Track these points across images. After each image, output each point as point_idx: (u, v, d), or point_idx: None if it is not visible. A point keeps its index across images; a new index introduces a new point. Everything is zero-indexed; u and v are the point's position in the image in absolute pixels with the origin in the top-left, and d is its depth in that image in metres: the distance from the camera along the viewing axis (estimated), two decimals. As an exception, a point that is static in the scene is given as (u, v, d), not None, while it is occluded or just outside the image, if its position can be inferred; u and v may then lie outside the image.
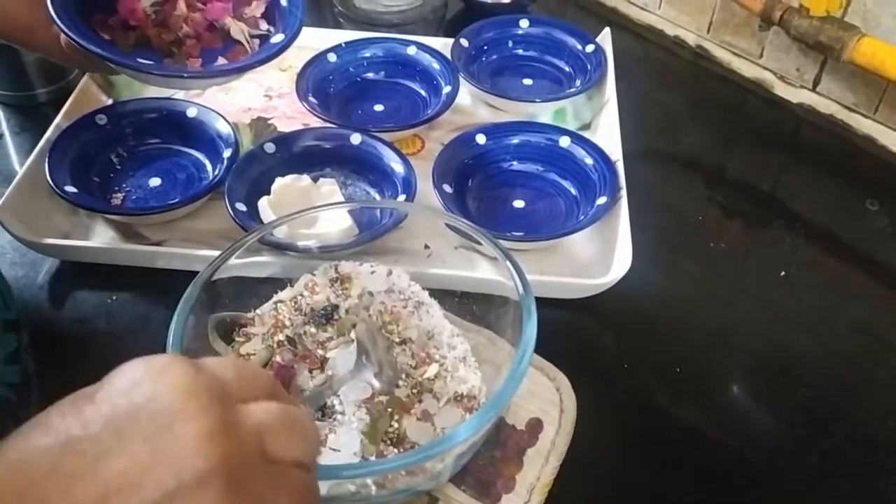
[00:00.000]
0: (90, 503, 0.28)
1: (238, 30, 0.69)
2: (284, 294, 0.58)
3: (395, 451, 0.50)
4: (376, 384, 0.52)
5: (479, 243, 0.55)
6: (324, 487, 0.47)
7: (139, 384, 0.30)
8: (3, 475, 0.28)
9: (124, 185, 0.74)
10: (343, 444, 0.49)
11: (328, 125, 0.77)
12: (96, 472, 0.28)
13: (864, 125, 0.86)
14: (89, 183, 0.72)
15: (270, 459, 0.32)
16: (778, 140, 0.89)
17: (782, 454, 0.58)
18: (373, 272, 0.58)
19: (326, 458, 0.49)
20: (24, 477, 0.28)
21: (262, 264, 0.57)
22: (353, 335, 0.54)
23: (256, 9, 0.71)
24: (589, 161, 0.74)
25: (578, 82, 0.87)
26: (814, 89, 0.89)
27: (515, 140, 0.77)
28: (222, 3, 0.70)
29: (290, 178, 0.69)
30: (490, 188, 0.76)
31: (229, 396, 0.32)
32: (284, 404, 0.35)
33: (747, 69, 0.94)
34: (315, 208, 0.60)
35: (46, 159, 0.69)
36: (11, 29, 0.63)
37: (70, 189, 0.68)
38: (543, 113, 0.84)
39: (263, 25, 0.71)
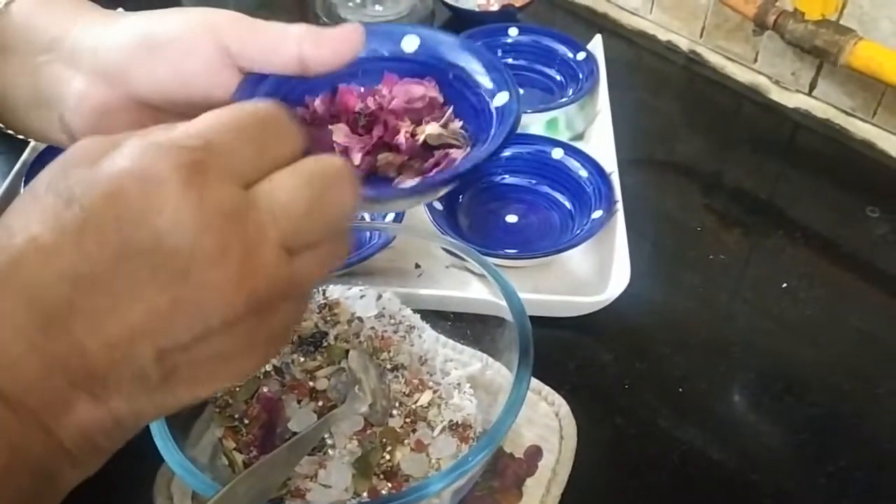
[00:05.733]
0: (118, 342, 0.27)
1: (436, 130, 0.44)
2: (271, 321, 0.55)
3: (389, 485, 0.48)
4: (370, 416, 0.50)
5: (468, 262, 0.54)
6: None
7: (142, 207, 0.26)
8: (19, 304, 0.26)
9: (105, 208, 0.71)
10: (334, 480, 0.47)
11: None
12: (118, 313, 0.26)
13: (863, 129, 0.85)
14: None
15: (295, 253, 0.29)
16: (775, 146, 0.87)
17: (789, 476, 0.56)
18: (362, 296, 0.56)
19: (317, 495, 0.47)
20: (43, 313, 0.26)
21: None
22: (344, 364, 0.52)
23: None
24: (583, 173, 0.72)
25: (570, 91, 0.85)
26: (810, 94, 0.88)
27: (506, 152, 0.75)
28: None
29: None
30: (481, 203, 0.74)
31: (245, 201, 0.28)
32: (302, 169, 0.30)
33: (742, 74, 0.93)
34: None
35: (23, 183, 0.67)
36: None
37: (47, 214, 0.66)
38: (534, 124, 0.82)
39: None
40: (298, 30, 0.39)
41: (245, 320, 0.28)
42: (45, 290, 0.26)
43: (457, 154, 0.43)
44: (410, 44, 0.45)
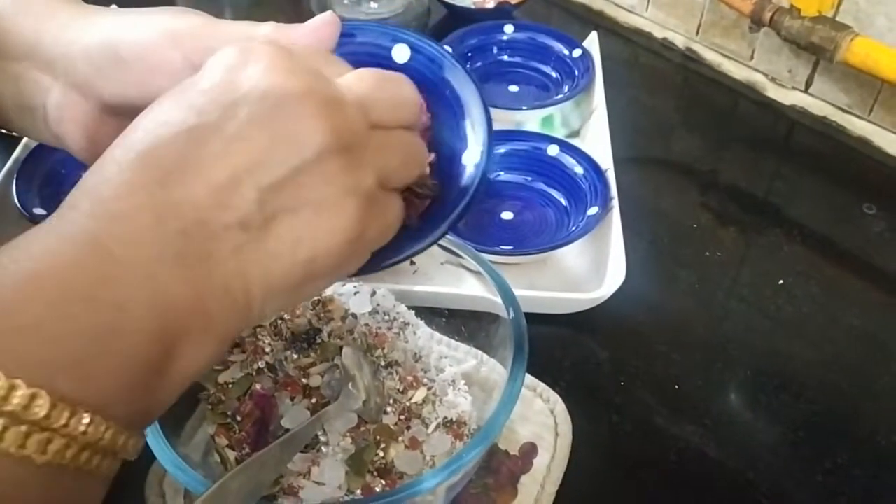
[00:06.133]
0: (224, 182, 0.30)
1: None
2: (264, 318, 0.55)
3: (383, 482, 0.48)
4: (363, 413, 0.49)
5: (464, 258, 0.53)
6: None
7: (239, 70, 0.32)
8: (137, 165, 0.30)
9: (97, 205, 0.71)
10: (327, 477, 0.47)
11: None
12: (223, 155, 0.30)
13: (859, 126, 0.85)
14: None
15: (375, 126, 0.34)
16: (771, 143, 0.87)
17: (786, 474, 0.55)
18: (356, 293, 0.56)
19: (310, 493, 0.47)
20: (158, 166, 0.30)
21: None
22: (337, 361, 0.52)
23: None
24: (579, 170, 0.72)
25: (566, 88, 0.85)
26: (806, 91, 0.88)
27: (502, 149, 0.75)
28: None
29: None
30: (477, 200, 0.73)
31: (323, 73, 0.33)
32: (375, 71, 0.35)
33: (738, 71, 0.93)
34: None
35: (14, 181, 0.67)
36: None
37: (40, 211, 0.65)
38: (530, 120, 0.82)
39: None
40: (266, 30, 0.37)
41: (334, 158, 0.31)
42: (163, 148, 0.30)
43: (418, 203, 0.40)
44: (402, 53, 0.41)
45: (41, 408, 0.25)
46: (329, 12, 0.38)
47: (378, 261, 0.38)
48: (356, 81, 0.34)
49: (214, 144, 0.30)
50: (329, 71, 0.34)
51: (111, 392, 0.27)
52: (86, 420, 0.26)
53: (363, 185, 0.33)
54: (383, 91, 0.35)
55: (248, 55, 0.32)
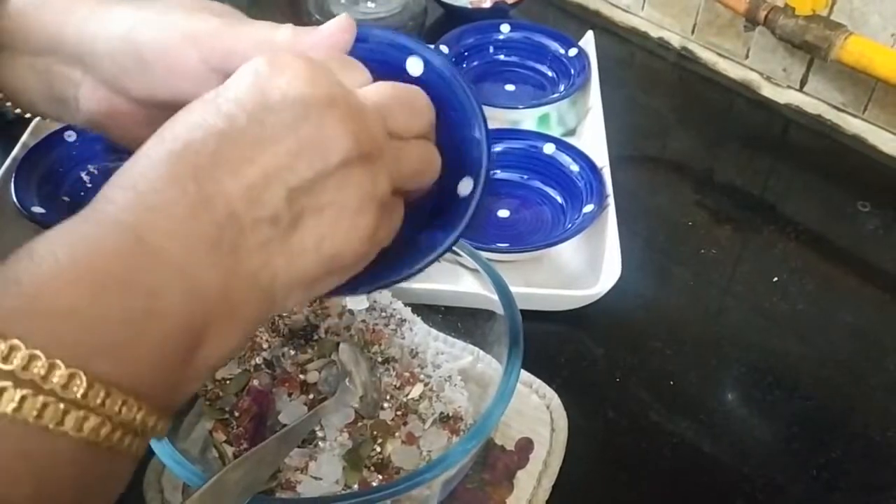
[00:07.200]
0: (255, 181, 0.31)
1: None
2: (261, 315, 0.55)
3: (380, 477, 0.48)
4: (360, 409, 0.50)
5: (461, 256, 0.54)
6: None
7: (268, 80, 0.33)
8: (171, 161, 0.31)
9: (96, 204, 0.71)
10: (325, 472, 0.47)
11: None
12: (254, 158, 0.32)
13: (853, 125, 0.85)
14: (59, 203, 0.69)
15: (392, 136, 0.36)
16: (766, 142, 0.87)
17: (780, 469, 0.56)
18: (353, 289, 0.56)
19: (307, 488, 0.47)
20: (191, 164, 0.31)
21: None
22: (334, 357, 0.52)
23: None
24: (574, 168, 0.72)
25: (562, 87, 0.85)
26: (801, 89, 0.88)
27: (498, 148, 0.75)
28: None
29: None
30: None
31: (345, 83, 0.35)
32: (392, 83, 0.37)
33: (733, 70, 0.93)
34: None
35: (13, 179, 0.67)
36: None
37: (38, 210, 0.66)
38: (527, 119, 0.82)
39: None
40: (284, 35, 0.38)
41: (356, 164, 0.33)
42: (196, 147, 0.31)
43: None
44: (416, 66, 0.40)
45: (79, 387, 0.26)
46: (345, 15, 0.39)
47: (393, 274, 0.39)
48: (374, 92, 0.36)
49: (245, 148, 0.32)
50: (351, 79, 0.36)
51: (144, 375, 0.29)
52: (120, 400, 0.27)
53: (380, 190, 0.35)
54: (400, 102, 0.36)
55: (276, 66, 0.33)
